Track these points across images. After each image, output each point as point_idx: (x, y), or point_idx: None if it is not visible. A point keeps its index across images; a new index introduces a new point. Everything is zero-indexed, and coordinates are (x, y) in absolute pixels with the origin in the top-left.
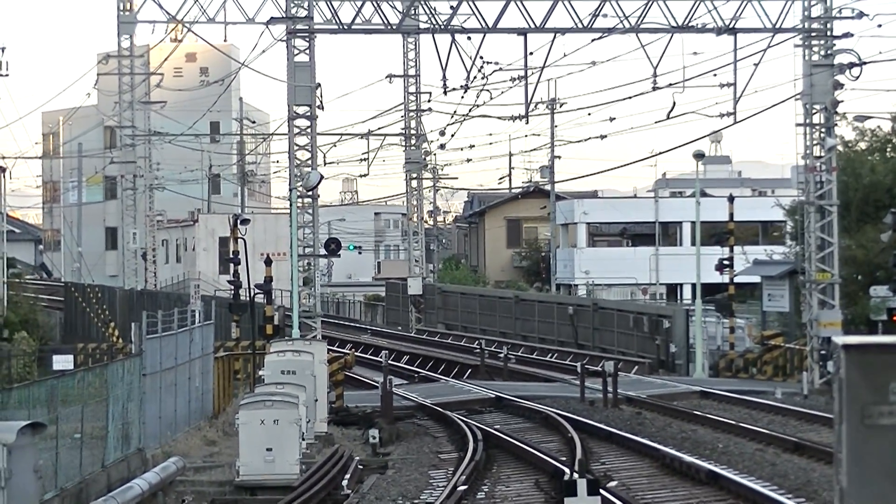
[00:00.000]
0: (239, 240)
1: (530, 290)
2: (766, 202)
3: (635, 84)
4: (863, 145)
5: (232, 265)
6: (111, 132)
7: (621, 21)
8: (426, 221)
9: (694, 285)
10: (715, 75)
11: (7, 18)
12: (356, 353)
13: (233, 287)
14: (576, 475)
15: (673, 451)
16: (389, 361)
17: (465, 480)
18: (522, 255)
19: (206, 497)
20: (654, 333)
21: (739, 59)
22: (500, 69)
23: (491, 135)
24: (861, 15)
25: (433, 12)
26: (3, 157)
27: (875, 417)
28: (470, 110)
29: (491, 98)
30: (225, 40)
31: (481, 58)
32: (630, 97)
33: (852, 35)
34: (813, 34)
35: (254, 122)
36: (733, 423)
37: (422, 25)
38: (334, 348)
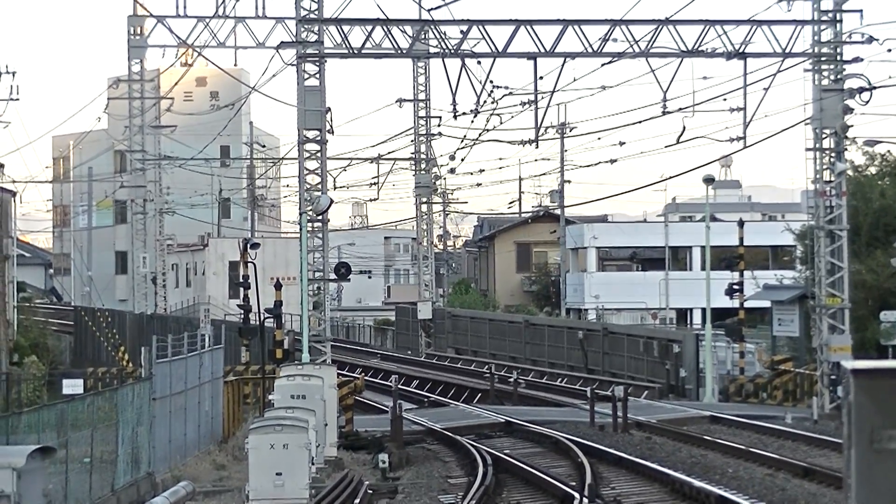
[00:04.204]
0: (249, 264)
1: (540, 314)
2: (776, 227)
3: (645, 108)
4: (873, 170)
5: (242, 289)
6: (121, 156)
7: (631, 46)
8: (436, 246)
9: (704, 310)
10: (725, 100)
11: (18, 43)
12: (366, 378)
13: (243, 311)
14: (585, 500)
15: (683, 476)
16: (399, 386)
17: None
18: (532, 280)
19: None
20: (664, 358)
21: (749, 84)
22: (510, 93)
23: (501, 159)
24: (871, 40)
25: (443, 37)
26: (14, 181)
27: (884, 442)
28: (480, 134)
29: (501, 122)
30: (235, 64)
31: (491, 82)
32: (640, 121)
33: (862, 60)
34: (823, 59)
35: (264, 147)
36: (743, 448)
37: (432, 50)
38: (344, 372)
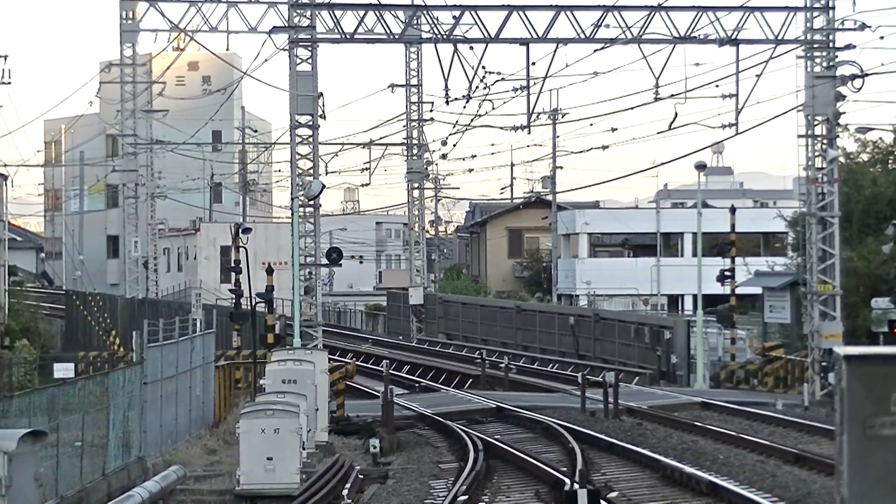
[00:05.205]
0: (240, 249)
1: (531, 300)
2: (768, 213)
3: (637, 95)
4: (865, 157)
5: (233, 274)
6: (113, 140)
7: (623, 32)
8: (427, 231)
9: (695, 296)
10: (717, 86)
11: (10, 26)
12: (357, 363)
13: (234, 296)
14: (576, 486)
15: (673, 462)
16: (390, 371)
17: (465, 490)
18: (524, 266)
19: None
20: (656, 344)
21: (741, 71)
22: (503, 79)
23: (493, 145)
24: (863, 27)
25: (435, 22)
26: (5, 165)
27: (877, 428)
28: (472, 120)
29: (493, 108)
30: (227, 49)
31: (483, 67)
32: (632, 108)
33: (854, 47)
34: (815, 45)
35: (256, 131)
36: (734, 434)
37: (424, 35)
38: (335, 357)
